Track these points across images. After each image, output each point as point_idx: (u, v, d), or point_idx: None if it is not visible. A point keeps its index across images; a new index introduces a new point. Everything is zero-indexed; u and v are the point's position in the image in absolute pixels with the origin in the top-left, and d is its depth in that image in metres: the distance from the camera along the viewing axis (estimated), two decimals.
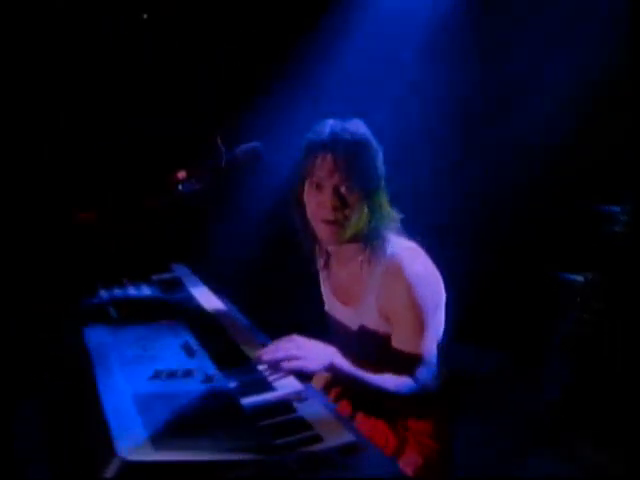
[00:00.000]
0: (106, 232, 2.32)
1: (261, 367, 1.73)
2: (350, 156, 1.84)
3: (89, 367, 1.66)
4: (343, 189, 1.86)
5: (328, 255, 2.12)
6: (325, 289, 2.19)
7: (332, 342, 1.86)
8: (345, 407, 2.03)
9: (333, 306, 2.13)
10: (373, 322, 1.94)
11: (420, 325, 1.83)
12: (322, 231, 1.92)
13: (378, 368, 1.80)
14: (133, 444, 1.29)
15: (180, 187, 1.87)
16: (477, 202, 4.11)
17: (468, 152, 3.93)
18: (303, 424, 1.47)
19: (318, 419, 1.50)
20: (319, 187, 1.88)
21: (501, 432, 3.20)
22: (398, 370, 1.81)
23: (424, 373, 1.81)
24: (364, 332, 1.98)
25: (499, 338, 3.71)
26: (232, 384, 1.63)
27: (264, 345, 1.77)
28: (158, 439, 1.31)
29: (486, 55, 3.91)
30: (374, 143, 1.92)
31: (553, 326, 3.29)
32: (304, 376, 1.68)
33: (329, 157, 1.85)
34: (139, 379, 1.60)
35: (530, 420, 3.12)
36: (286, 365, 1.61)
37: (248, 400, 1.55)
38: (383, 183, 1.92)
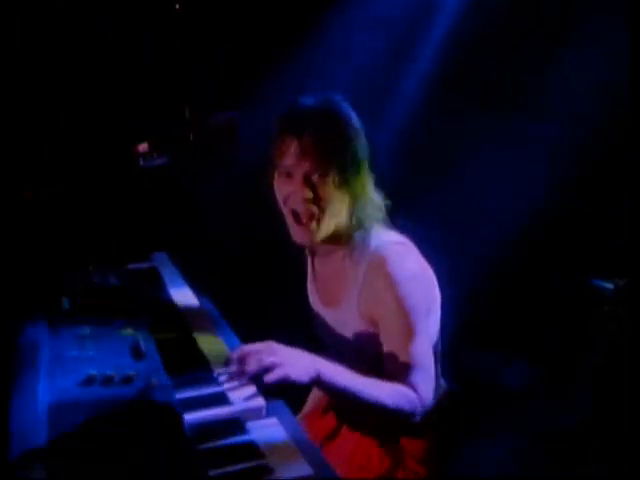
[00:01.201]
0: (59, 212, 2.07)
1: (221, 375, 1.48)
2: (319, 139, 1.56)
3: (8, 368, 1.40)
4: (315, 177, 1.58)
5: (313, 251, 1.85)
6: (310, 287, 1.92)
7: (319, 348, 1.67)
8: (329, 420, 1.78)
9: (317, 307, 1.87)
10: (356, 325, 1.68)
11: (408, 329, 1.56)
12: (293, 228, 1.65)
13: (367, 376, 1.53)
14: (25, 467, 1.03)
15: (141, 161, 1.60)
16: (508, 199, 3.79)
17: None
18: (252, 450, 1.22)
19: (273, 445, 1.26)
20: (288, 175, 1.62)
21: (524, 451, 2.91)
22: (388, 378, 1.54)
23: (421, 382, 1.53)
24: (348, 336, 1.72)
25: (523, 346, 3.43)
26: (179, 394, 1.37)
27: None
28: (56, 464, 1.05)
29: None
30: (352, 121, 1.64)
31: (580, 336, 2.99)
32: (280, 389, 1.40)
33: (294, 143, 1.57)
34: (65, 385, 1.35)
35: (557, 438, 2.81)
36: (268, 377, 1.34)
37: (192, 415, 1.28)
38: (366, 166, 1.64)
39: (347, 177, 1.59)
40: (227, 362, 1.48)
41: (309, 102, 1.63)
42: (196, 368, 1.54)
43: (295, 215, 1.63)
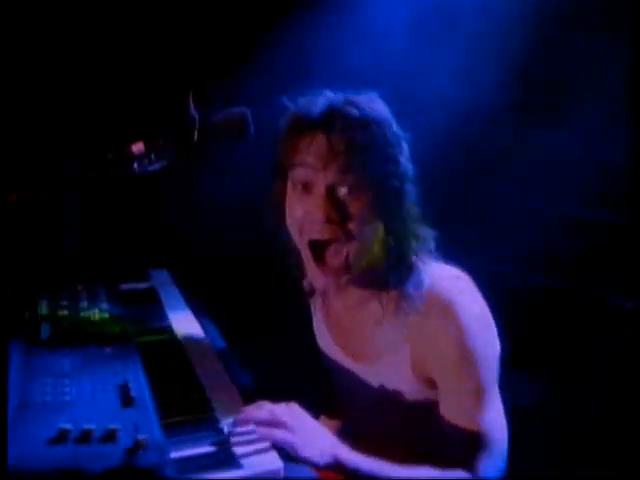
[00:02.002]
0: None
1: (227, 427, 1.20)
2: (354, 139, 1.22)
3: None
4: (343, 191, 1.23)
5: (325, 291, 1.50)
6: (321, 330, 1.56)
7: (334, 398, 1.51)
8: None
9: (334, 355, 1.51)
10: (403, 384, 1.34)
11: (479, 389, 1.25)
12: (312, 268, 1.29)
13: (410, 454, 1.24)
14: None
15: (135, 165, 1.33)
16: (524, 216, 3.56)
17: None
18: None
19: None
20: (306, 188, 1.26)
21: None
22: (446, 458, 1.24)
23: (487, 465, 1.22)
24: (388, 398, 1.37)
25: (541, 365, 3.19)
26: (175, 452, 1.09)
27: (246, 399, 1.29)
28: None
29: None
30: (395, 127, 1.29)
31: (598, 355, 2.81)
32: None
33: (321, 138, 1.23)
34: (32, 442, 1.06)
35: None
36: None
37: None
38: (410, 185, 1.29)
39: (386, 196, 1.25)
40: (236, 423, 1.20)
41: (343, 97, 1.29)
42: (197, 416, 1.26)
43: (314, 248, 1.27)
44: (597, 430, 2.59)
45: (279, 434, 1.13)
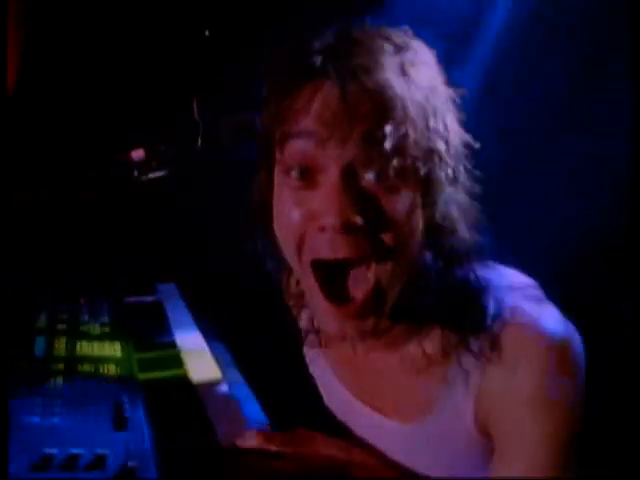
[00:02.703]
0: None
1: None
2: (390, 87, 0.77)
3: None
4: (370, 176, 0.79)
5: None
6: (329, 384, 1.16)
7: None
8: None
9: (355, 414, 1.10)
10: (456, 445, 0.96)
11: (562, 451, 0.88)
12: (322, 307, 0.86)
13: None
14: None
15: (135, 172, 1.26)
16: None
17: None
18: None
19: None
20: (307, 174, 0.82)
21: None
22: None
23: None
24: (443, 463, 1.00)
25: None
26: None
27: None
28: None
29: None
30: (443, 75, 0.88)
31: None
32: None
33: (329, 89, 0.79)
34: (14, 469, 0.99)
35: None
36: None
37: None
38: (462, 167, 0.87)
39: (437, 186, 0.83)
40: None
41: (360, 24, 0.86)
42: (199, 445, 1.17)
43: (322, 273, 0.84)
44: (597, 430, 2.47)
45: None
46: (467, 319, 0.89)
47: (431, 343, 0.94)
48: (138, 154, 1.26)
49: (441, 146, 0.82)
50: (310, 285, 0.86)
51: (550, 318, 0.90)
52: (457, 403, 0.93)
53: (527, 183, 3.26)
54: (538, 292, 0.95)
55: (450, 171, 0.84)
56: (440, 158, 0.82)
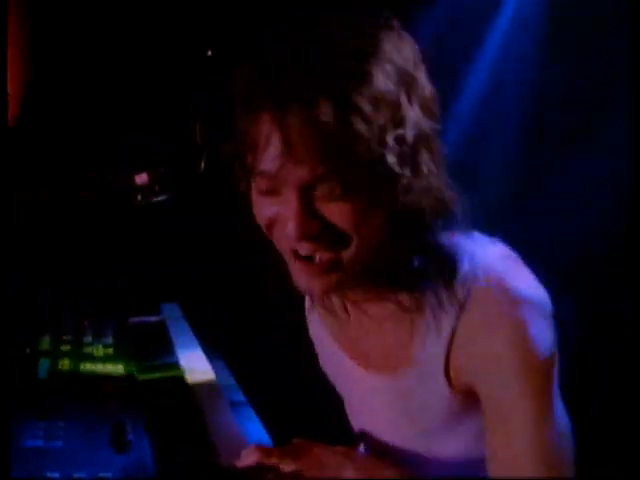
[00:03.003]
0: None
1: None
2: (322, 117, 0.80)
3: None
4: (322, 191, 0.86)
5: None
6: (325, 347, 1.24)
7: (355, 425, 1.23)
8: None
9: (349, 373, 1.17)
10: (436, 398, 1.02)
11: (541, 404, 0.92)
12: (298, 272, 0.93)
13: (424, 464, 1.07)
14: None
15: (139, 197, 1.27)
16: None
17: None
18: None
19: None
20: (273, 193, 0.90)
21: None
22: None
23: None
24: (414, 415, 1.07)
25: None
26: None
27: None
28: None
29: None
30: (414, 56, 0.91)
31: None
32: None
33: (270, 127, 0.84)
34: None
35: None
36: None
37: None
38: (428, 143, 0.90)
39: (391, 179, 0.87)
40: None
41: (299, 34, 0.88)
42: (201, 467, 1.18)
43: (297, 254, 0.93)
44: (597, 430, 2.48)
45: None
46: (441, 275, 0.95)
47: (407, 297, 1.00)
48: (142, 178, 1.28)
49: (392, 147, 0.85)
50: (290, 260, 0.94)
51: (521, 277, 0.95)
52: (430, 355, 0.99)
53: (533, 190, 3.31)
54: (514, 256, 0.99)
55: (407, 163, 0.87)
56: (394, 156, 0.85)
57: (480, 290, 0.94)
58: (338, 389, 1.26)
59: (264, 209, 0.92)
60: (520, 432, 0.92)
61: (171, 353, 1.71)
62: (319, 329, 1.24)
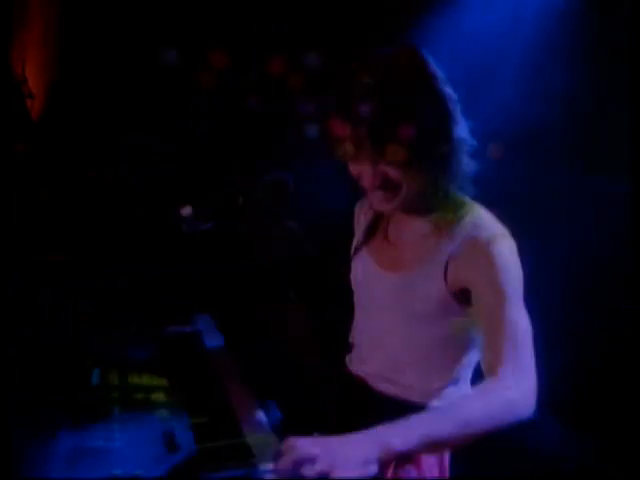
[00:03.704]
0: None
1: (267, 473, 1.27)
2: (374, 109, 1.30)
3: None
4: (386, 166, 1.36)
5: (380, 216, 1.63)
6: (364, 258, 1.63)
7: (359, 335, 1.62)
8: None
9: (376, 281, 1.56)
10: (434, 297, 1.43)
11: (510, 297, 1.33)
12: (369, 197, 1.45)
13: (433, 363, 1.47)
14: None
15: (184, 227, 1.44)
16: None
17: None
18: None
19: None
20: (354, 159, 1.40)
21: None
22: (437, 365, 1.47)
23: (517, 374, 1.24)
24: (415, 308, 1.46)
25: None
26: None
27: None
28: None
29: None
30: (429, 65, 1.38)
31: None
32: None
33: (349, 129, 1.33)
34: None
35: None
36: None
37: None
38: (447, 128, 1.38)
39: (421, 151, 1.34)
40: (275, 458, 1.25)
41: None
42: (239, 462, 1.35)
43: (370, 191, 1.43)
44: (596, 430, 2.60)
45: (318, 467, 1.10)
46: (455, 216, 1.43)
47: (428, 224, 1.47)
48: (186, 211, 1.45)
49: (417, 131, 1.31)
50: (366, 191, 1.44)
51: (494, 223, 1.41)
52: (435, 261, 1.43)
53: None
54: (500, 228, 1.41)
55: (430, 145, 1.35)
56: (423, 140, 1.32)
57: (472, 233, 1.39)
58: (356, 292, 1.64)
59: (352, 169, 1.41)
60: (490, 309, 1.33)
61: (206, 363, 1.87)
62: (365, 254, 1.62)
